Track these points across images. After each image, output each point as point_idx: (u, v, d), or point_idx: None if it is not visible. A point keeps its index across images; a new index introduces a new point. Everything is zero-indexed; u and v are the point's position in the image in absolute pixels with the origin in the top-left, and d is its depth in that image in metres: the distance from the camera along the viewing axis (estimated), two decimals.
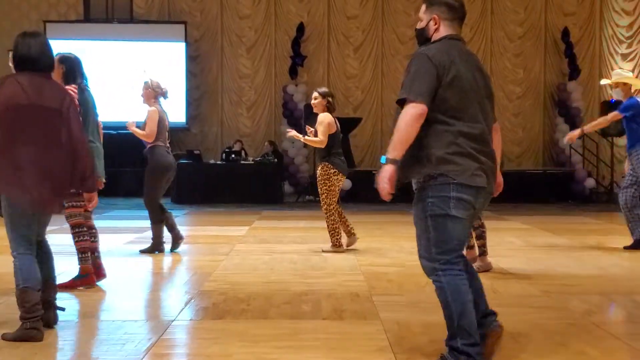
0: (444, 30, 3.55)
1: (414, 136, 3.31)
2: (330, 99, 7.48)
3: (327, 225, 7.52)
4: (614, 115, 7.73)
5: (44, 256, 4.28)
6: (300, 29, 16.73)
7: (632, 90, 7.87)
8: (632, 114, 7.51)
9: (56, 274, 4.41)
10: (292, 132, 7.83)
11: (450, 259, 3.41)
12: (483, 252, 6.39)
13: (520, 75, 17.25)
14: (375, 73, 17.17)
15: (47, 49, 4.20)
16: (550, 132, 17.34)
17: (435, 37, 3.55)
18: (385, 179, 3.29)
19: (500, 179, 3.69)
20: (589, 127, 8.05)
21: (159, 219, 7.39)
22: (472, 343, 3.37)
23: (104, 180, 5.72)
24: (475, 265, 5.99)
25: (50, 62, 4.26)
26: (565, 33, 16.77)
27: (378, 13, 17.13)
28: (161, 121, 7.28)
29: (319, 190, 7.48)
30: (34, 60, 4.13)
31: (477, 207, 3.47)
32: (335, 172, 7.37)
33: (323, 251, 7.53)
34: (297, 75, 16.68)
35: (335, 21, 17.17)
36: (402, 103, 3.38)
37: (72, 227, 5.52)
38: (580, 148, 16.60)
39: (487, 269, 6.31)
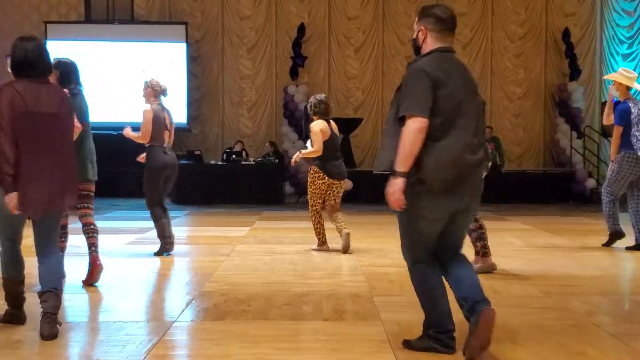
0: (431, 42, 3.64)
1: (419, 148, 3.45)
2: (312, 108, 7.48)
3: (312, 225, 7.64)
4: (617, 130, 7.77)
5: (52, 262, 4.23)
6: (301, 29, 16.75)
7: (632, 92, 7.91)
8: (625, 122, 7.67)
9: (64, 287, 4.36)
10: (294, 157, 7.64)
11: (419, 256, 3.71)
12: (485, 253, 6.36)
13: (520, 76, 17.24)
14: (376, 74, 17.19)
15: (44, 53, 4.20)
16: (550, 133, 17.33)
17: (424, 48, 3.65)
18: (397, 192, 3.48)
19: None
20: (613, 151, 7.98)
21: (159, 219, 7.36)
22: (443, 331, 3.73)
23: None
24: (476, 266, 5.96)
25: (47, 66, 4.24)
26: (566, 33, 16.78)
27: (379, 14, 17.14)
28: (156, 120, 7.15)
29: (307, 191, 7.62)
30: (31, 64, 4.13)
31: (453, 209, 3.58)
32: (320, 176, 7.45)
33: (312, 250, 7.67)
34: (297, 76, 16.69)
35: (335, 22, 17.18)
36: (402, 119, 3.49)
37: (84, 225, 5.78)
38: (580, 148, 16.61)
39: (490, 269, 6.27)
